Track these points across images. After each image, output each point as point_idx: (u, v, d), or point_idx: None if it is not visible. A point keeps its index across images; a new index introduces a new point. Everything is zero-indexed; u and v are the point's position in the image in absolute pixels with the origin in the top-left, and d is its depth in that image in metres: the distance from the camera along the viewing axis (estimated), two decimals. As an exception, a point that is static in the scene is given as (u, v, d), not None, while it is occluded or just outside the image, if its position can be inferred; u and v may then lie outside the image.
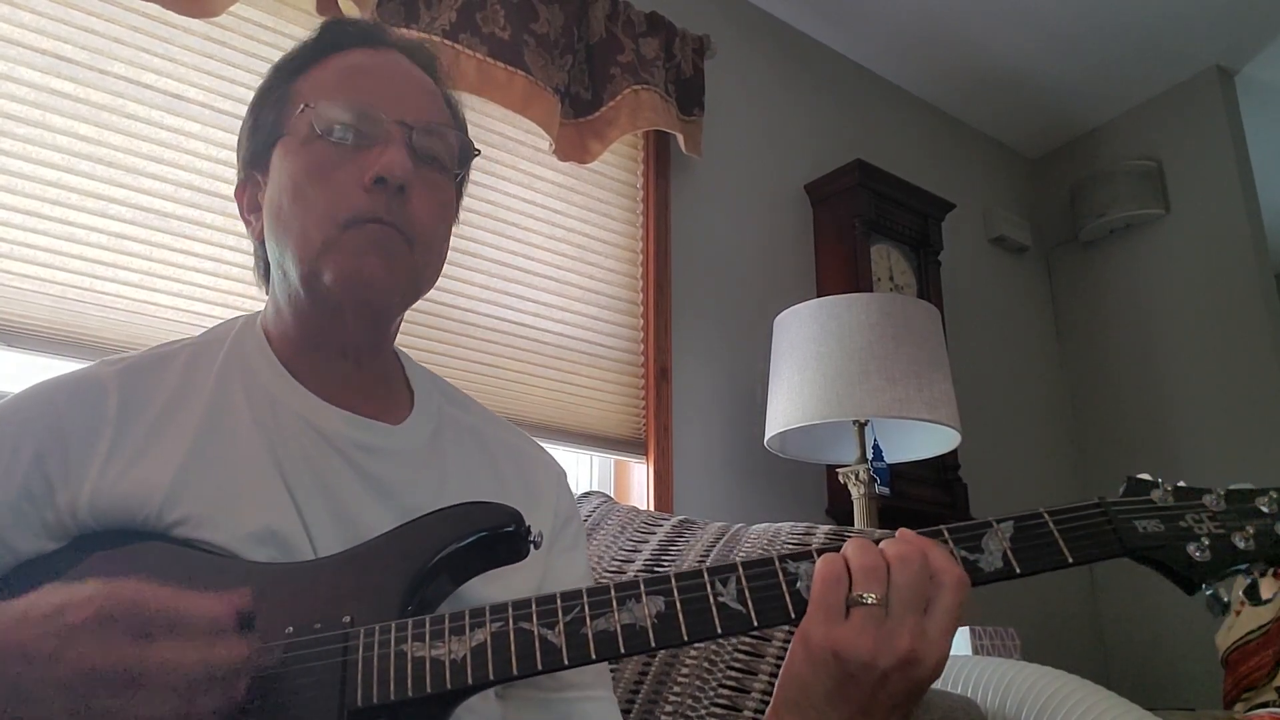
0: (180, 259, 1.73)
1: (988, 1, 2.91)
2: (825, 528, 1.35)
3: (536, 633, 0.68)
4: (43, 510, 0.78)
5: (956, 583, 0.68)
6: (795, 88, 2.94)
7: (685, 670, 1.22)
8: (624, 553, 1.42)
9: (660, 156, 2.51)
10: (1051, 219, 3.60)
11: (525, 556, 0.78)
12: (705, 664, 1.22)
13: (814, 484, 2.56)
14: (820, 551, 0.70)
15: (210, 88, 1.81)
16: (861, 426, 2.16)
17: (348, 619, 0.70)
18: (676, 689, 1.21)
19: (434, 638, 0.68)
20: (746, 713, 1.16)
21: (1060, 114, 3.46)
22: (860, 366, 2.08)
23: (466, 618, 0.69)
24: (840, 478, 2.20)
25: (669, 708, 1.20)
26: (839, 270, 2.72)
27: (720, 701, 1.18)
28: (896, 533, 0.71)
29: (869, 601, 0.67)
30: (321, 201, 0.84)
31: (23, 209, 1.59)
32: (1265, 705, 2.05)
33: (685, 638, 0.69)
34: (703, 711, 1.18)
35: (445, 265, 2.07)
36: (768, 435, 2.22)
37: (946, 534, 0.72)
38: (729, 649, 1.22)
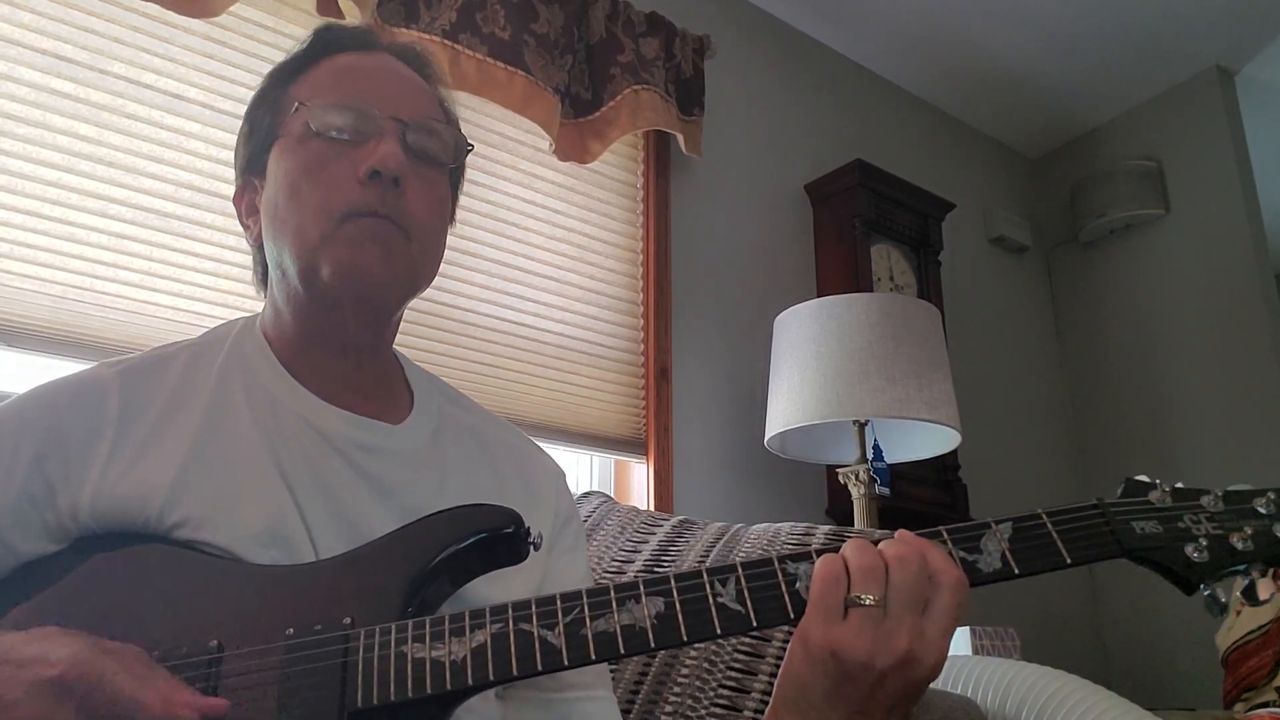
0: (180, 259, 1.73)
1: (988, 1, 2.91)
2: (825, 528, 1.35)
3: (536, 634, 0.68)
4: (43, 512, 0.78)
5: (955, 584, 0.69)
6: (795, 88, 2.94)
7: (685, 671, 1.23)
8: (624, 553, 1.42)
9: (660, 156, 2.51)
10: (1051, 219, 3.60)
11: (525, 558, 0.78)
12: (705, 664, 1.22)
13: (814, 484, 2.56)
14: (819, 552, 0.71)
15: (210, 88, 1.81)
16: (861, 426, 2.16)
17: (348, 620, 0.71)
18: (676, 689, 1.21)
19: (434, 639, 0.69)
20: (746, 713, 1.16)
21: (1060, 114, 3.46)
22: (860, 366, 2.08)
23: (466, 619, 0.69)
24: (840, 478, 2.20)
25: (669, 708, 1.20)
26: (839, 270, 2.72)
27: (720, 702, 1.18)
28: (895, 534, 0.71)
29: (867, 602, 0.67)
30: (318, 197, 0.85)
31: (23, 209, 1.59)
32: (1265, 705, 2.06)
33: (685, 638, 0.69)
34: (703, 712, 1.18)
35: (446, 265, 2.07)
36: (768, 435, 2.23)
37: (945, 535, 0.72)
38: (729, 649, 1.22)
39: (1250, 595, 0.71)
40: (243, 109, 0.97)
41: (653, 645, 0.69)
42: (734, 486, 2.42)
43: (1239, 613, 2.19)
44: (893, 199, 2.80)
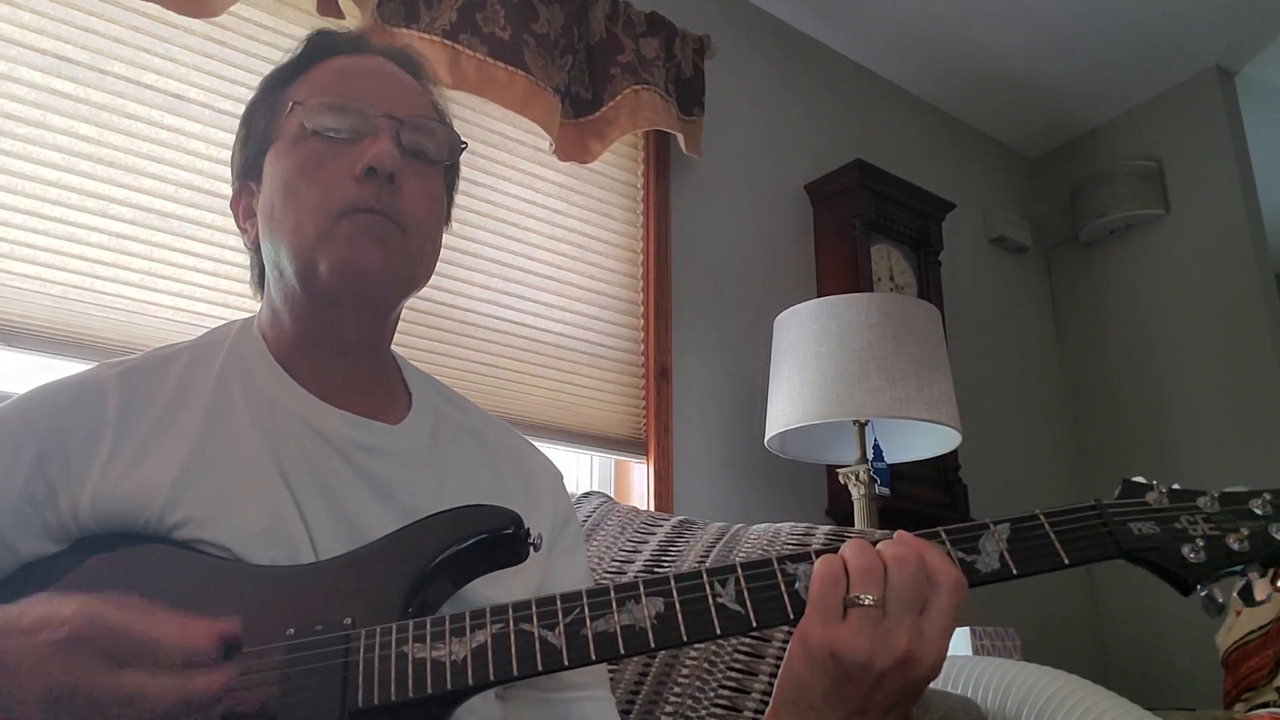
0: (181, 259, 1.73)
1: (988, 1, 2.91)
2: (825, 528, 1.35)
3: (537, 634, 0.69)
4: (44, 512, 0.78)
5: (953, 584, 0.69)
6: (795, 88, 2.94)
7: (685, 671, 1.23)
8: (624, 553, 1.42)
9: (660, 156, 2.51)
10: (1051, 219, 3.60)
11: (525, 559, 0.78)
12: (705, 665, 1.22)
13: (814, 484, 2.56)
14: (819, 553, 0.71)
15: (210, 88, 1.81)
16: (861, 426, 2.16)
17: (349, 620, 0.71)
18: (677, 690, 1.21)
19: (435, 639, 0.69)
20: (746, 713, 1.16)
21: (1060, 114, 3.46)
22: (860, 366, 2.08)
23: (467, 619, 0.70)
24: (840, 478, 2.20)
25: (669, 708, 1.20)
26: (839, 270, 2.73)
27: (720, 702, 1.18)
28: (894, 534, 0.72)
29: (866, 602, 0.67)
30: (314, 195, 0.85)
31: (23, 209, 1.59)
32: (1265, 705, 2.06)
33: (685, 638, 0.69)
34: (703, 712, 1.18)
35: (445, 265, 2.07)
36: (768, 435, 2.23)
37: (944, 536, 0.73)
38: (729, 650, 1.22)
39: (1247, 596, 0.71)
40: (243, 109, 0.98)
41: (653, 645, 0.69)
42: (734, 486, 2.42)
43: (1239, 613, 2.19)
44: (893, 199, 2.80)
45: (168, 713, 0.61)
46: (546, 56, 2.18)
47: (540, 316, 2.19)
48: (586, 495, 1.65)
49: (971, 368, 3.00)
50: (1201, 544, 0.72)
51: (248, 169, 0.94)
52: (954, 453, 2.44)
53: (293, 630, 0.70)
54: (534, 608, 0.70)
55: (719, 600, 0.70)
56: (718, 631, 0.69)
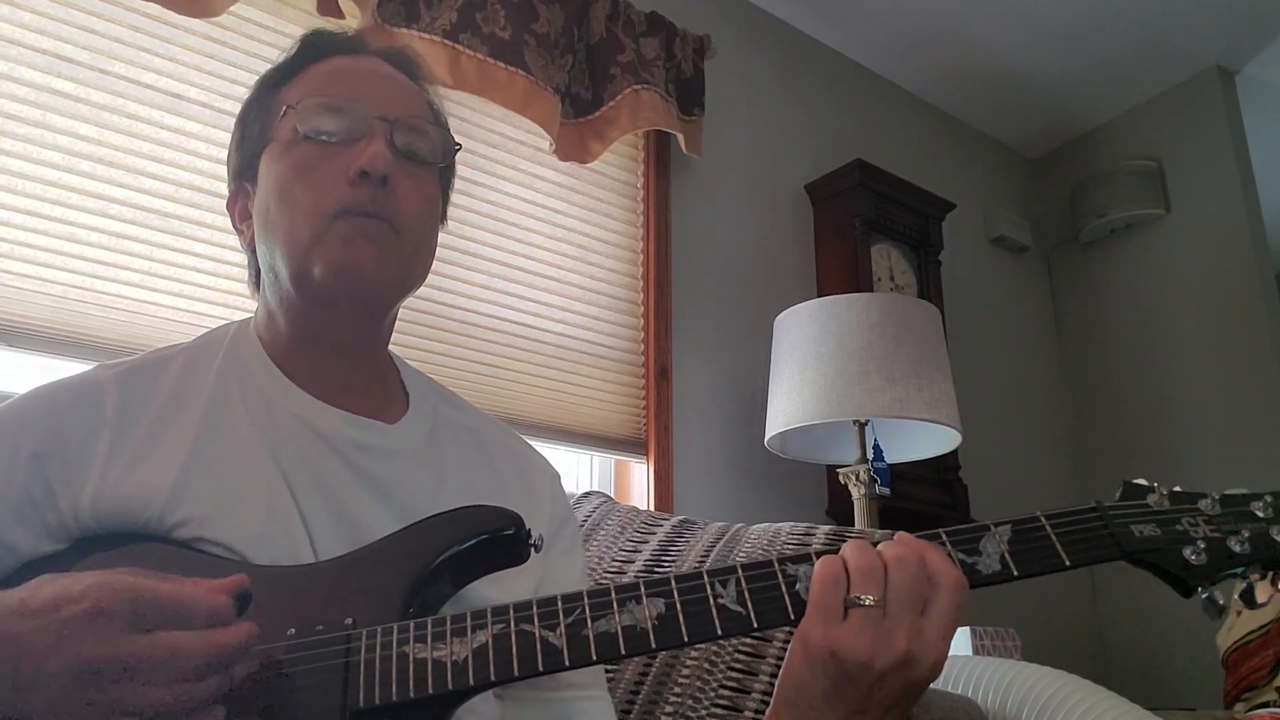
0: (181, 259, 1.73)
1: (988, 1, 2.91)
2: (825, 528, 1.35)
3: (538, 634, 0.69)
4: (44, 512, 0.78)
5: (954, 585, 0.69)
6: (795, 88, 2.94)
7: (686, 671, 1.23)
8: (624, 553, 1.42)
9: (660, 156, 2.51)
10: (1052, 219, 3.60)
11: (526, 560, 0.79)
12: (706, 665, 1.22)
13: (814, 484, 2.56)
14: (819, 553, 0.71)
15: (210, 88, 1.81)
16: (862, 426, 2.16)
17: (350, 621, 0.71)
18: (677, 690, 1.21)
19: (435, 639, 0.69)
20: (747, 713, 1.16)
21: (1060, 114, 3.46)
22: (860, 366, 2.08)
23: (468, 619, 0.70)
24: (840, 478, 2.20)
25: (669, 708, 1.20)
26: (839, 270, 2.73)
27: (721, 702, 1.18)
28: (895, 535, 0.72)
29: (867, 602, 0.67)
30: (308, 198, 0.85)
31: (23, 209, 1.59)
32: (1266, 705, 2.06)
33: (686, 639, 0.69)
34: (703, 712, 1.18)
35: (445, 265, 2.07)
36: (768, 435, 2.23)
37: (944, 537, 0.73)
38: (729, 650, 1.22)
39: (1248, 598, 0.71)
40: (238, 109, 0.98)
41: (654, 646, 0.69)
42: (734, 486, 2.42)
43: (1239, 613, 2.19)
44: (893, 199, 2.80)
45: (199, 669, 0.61)
46: (547, 56, 2.18)
47: (540, 316, 2.19)
48: (586, 495, 1.65)
49: (971, 368, 3.00)
50: (1203, 546, 0.72)
51: (243, 170, 0.95)
52: (954, 453, 2.44)
53: (293, 630, 0.70)
54: (535, 608, 0.70)
55: (720, 601, 0.70)
56: (719, 632, 0.69)
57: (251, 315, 0.96)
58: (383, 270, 0.86)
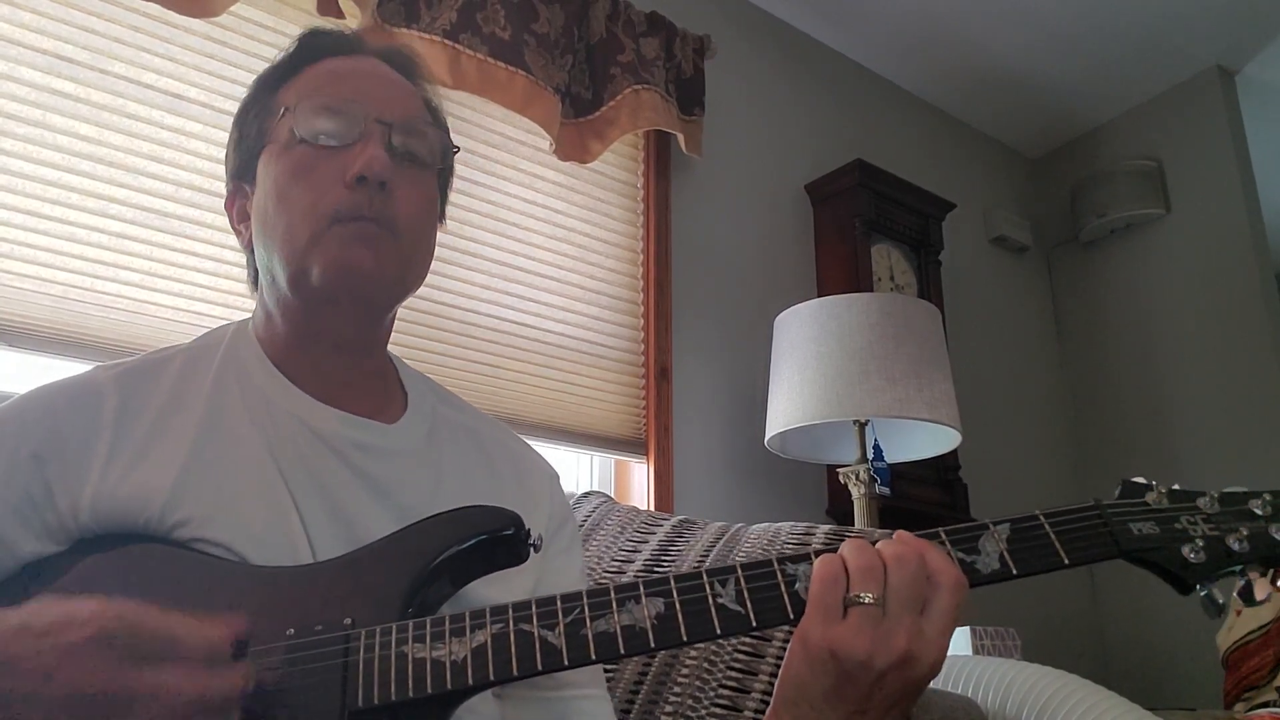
0: (181, 259, 1.73)
1: (988, 1, 2.91)
2: (825, 528, 1.35)
3: (537, 634, 0.69)
4: (44, 513, 0.78)
5: (954, 584, 0.69)
6: (795, 87, 2.94)
7: (685, 671, 1.23)
8: (624, 553, 1.42)
9: (660, 156, 2.51)
10: (1052, 219, 3.60)
11: (525, 560, 0.79)
12: (705, 664, 1.22)
13: (814, 484, 2.56)
14: (818, 553, 0.71)
15: (210, 88, 1.81)
16: (862, 426, 2.16)
17: (349, 621, 0.71)
18: (677, 689, 1.21)
19: (434, 639, 0.69)
20: (747, 713, 1.16)
21: (1060, 114, 3.46)
22: (860, 366, 2.08)
23: (467, 619, 0.70)
24: (840, 478, 2.20)
25: (669, 708, 1.20)
26: (839, 270, 2.73)
27: (720, 702, 1.18)
28: (894, 534, 0.72)
29: (866, 601, 0.67)
30: (306, 202, 0.85)
31: (23, 209, 1.59)
32: (1266, 705, 2.06)
33: (685, 638, 0.69)
34: (703, 712, 1.18)
35: (445, 265, 2.07)
36: (768, 435, 2.23)
37: (943, 536, 0.73)
38: (729, 649, 1.22)
39: (1247, 596, 0.71)
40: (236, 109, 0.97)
41: (653, 645, 0.69)
42: (734, 486, 2.42)
43: (1239, 613, 2.19)
44: (893, 199, 2.80)
45: (189, 710, 0.61)
46: (547, 56, 2.18)
47: (540, 316, 2.19)
48: (586, 495, 1.65)
49: (971, 368, 3.00)
50: (1201, 544, 0.72)
51: (242, 171, 0.94)
52: (954, 452, 2.45)
53: (293, 630, 0.70)
54: (534, 608, 0.70)
55: (719, 600, 0.70)
56: (718, 631, 0.69)
57: (250, 316, 0.96)
58: (381, 271, 0.86)
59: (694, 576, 0.71)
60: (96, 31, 1.71)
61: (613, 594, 0.70)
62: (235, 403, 0.87)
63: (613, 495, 2.05)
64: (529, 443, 1.07)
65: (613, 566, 1.41)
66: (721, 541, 1.38)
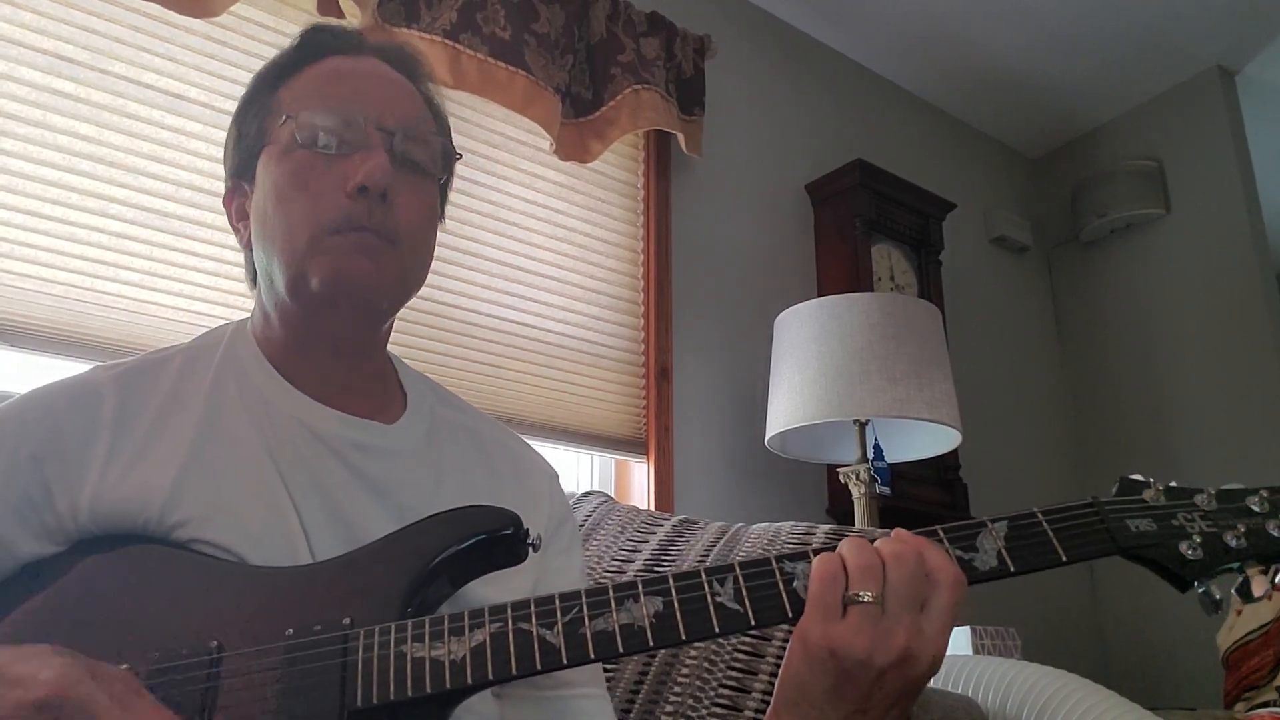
0: (181, 259, 1.73)
1: (988, 1, 2.91)
2: (825, 527, 1.35)
3: (535, 633, 0.69)
4: (43, 514, 0.78)
5: (952, 581, 0.69)
6: (796, 87, 2.94)
7: (685, 670, 1.23)
8: (624, 552, 1.42)
9: (661, 156, 2.51)
10: (1052, 219, 3.60)
11: (524, 560, 0.78)
12: (706, 664, 1.22)
13: (814, 484, 2.56)
14: (817, 551, 0.71)
15: (211, 88, 1.81)
16: (862, 426, 2.16)
17: (348, 620, 0.71)
18: (677, 689, 1.21)
19: (434, 638, 0.69)
20: (747, 713, 1.16)
21: (1061, 114, 3.46)
22: (861, 366, 2.08)
23: (466, 619, 0.70)
24: (841, 477, 2.20)
25: (669, 708, 1.20)
26: (839, 270, 2.73)
27: (721, 701, 1.18)
28: (892, 533, 0.72)
29: (865, 600, 0.67)
30: (305, 208, 0.84)
31: (24, 209, 1.59)
32: (1266, 705, 2.06)
33: (683, 637, 0.69)
34: (703, 712, 1.18)
35: (445, 265, 2.06)
36: (768, 435, 2.23)
37: (941, 534, 0.73)
38: (729, 649, 1.22)
39: (1245, 593, 0.71)
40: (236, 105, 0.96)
41: (651, 644, 0.69)
42: (734, 486, 2.42)
43: (1239, 612, 2.19)
44: (893, 199, 2.80)
45: None
46: (547, 56, 2.18)
47: (541, 316, 2.19)
48: (587, 495, 1.65)
49: (972, 368, 3.00)
50: (1199, 541, 0.72)
51: (241, 169, 0.93)
52: (954, 452, 2.45)
53: (291, 630, 0.70)
54: (533, 607, 0.70)
55: (718, 599, 0.70)
56: (716, 630, 0.69)
57: (248, 316, 0.96)
58: (380, 280, 0.86)
59: (692, 575, 0.71)
60: (97, 31, 1.71)
61: (611, 593, 0.70)
62: (233, 403, 0.86)
63: (613, 495, 2.05)
64: (529, 443, 1.07)
65: (613, 566, 1.41)
66: (722, 541, 1.38)
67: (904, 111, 3.28)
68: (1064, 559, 0.71)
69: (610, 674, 1.23)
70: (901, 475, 2.48)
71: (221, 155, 1.80)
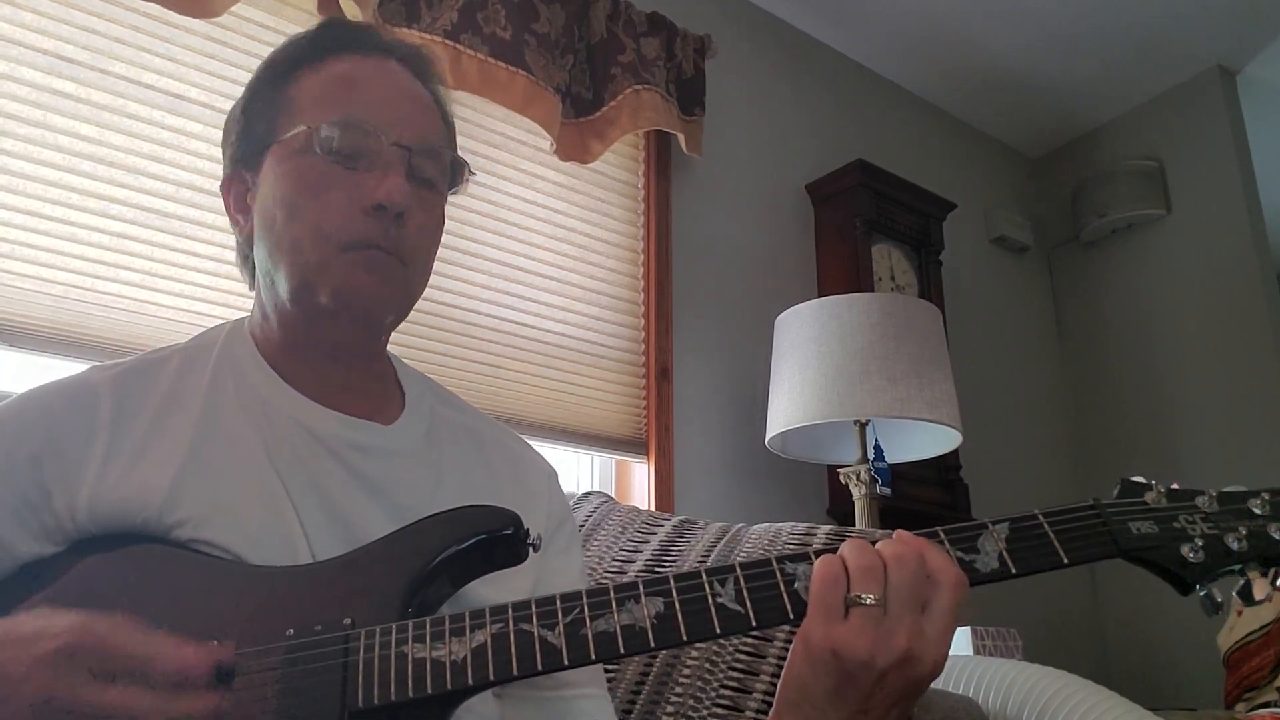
0: (181, 259, 1.73)
1: (988, 1, 2.91)
2: (826, 528, 1.35)
3: (537, 634, 0.69)
4: (41, 514, 0.78)
5: (954, 583, 0.69)
6: (796, 87, 2.94)
7: (687, 671, 1.23)
8: (624, 553, 1.42)
9: (661, 156, 2.51)
10: (1053, 219, 3.60)
11: (524, 560, 0.78)
12: (707, 665, 1.22)
13: (815, 484, 2.56)
14: (818, 553, 0.71)
15: (211, 88, 1.81)
16: (862, 426, 2.16)
17: (348, 621, 0.71)
18: (678, 690, 1.21)
19: (434, 639, 0.69)
20: (748, 713, 1.16)
21: (1061, 114, 3.46)
22: (861, 366, 2.08)
23: (467, 619, 0.70)
24: (841, 478, 2.20)
25: (670, 709, 1.20)
26: (840, 270, 2.73)
27: (722, 702, 1.18)
28: (894, 534, 0.72)
29: (867, 601, 0.67)
30: (318, 221, 0.84)
31: (24, 209, 1.59)
32: (1267, 705, 2.06)
33: (684, 638, 0.69)
34: (704, 712, 1.18)
35: (445, 265, 2.07)
36: (769, 435, 2.23)
37: (942, 535, 0.73)
38: (730, 650, 1.22)
39: (1246, 595, 0.71)
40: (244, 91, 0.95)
41: (652, 645, 0.69)
42: (735, 486, 2.42)
43: (1240, 613, 2.19)
44: (894, 199, 2.80)
45: None
46: (547, 56, 2.18)
47: (541, 316, 2.19)
48: (587, 495, 1.65)
49: (972, 368, 3.00)
50: (1200, 543, 0.72)
51: (245, 159, 0.92)
52: (955, 452, 2.44)
53: (292, 631, 0.70)
54: (534, 607, 0.70)
55: (719, 600, 0.70)
56: (717, 631, 0.69)
57: (246, 315, 0.96)
58: (387, 299, 0.87)
59: (693, 576, 0.71)
60: (97, 31, 1.71)
61: (612, 594, 0.70)
62: (231, 402, 0.86)
63: (613, 495, 2.05)
64: (529, 443, 1.07)
65: (613, 567, 1.41)
66: (722, 542, 1.38)
67: (904, 111, 3.27)
68: (1065, 561, 0.71)
69: (611, 675, 1.23)
70: (902, 476, 2.48)
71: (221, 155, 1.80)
